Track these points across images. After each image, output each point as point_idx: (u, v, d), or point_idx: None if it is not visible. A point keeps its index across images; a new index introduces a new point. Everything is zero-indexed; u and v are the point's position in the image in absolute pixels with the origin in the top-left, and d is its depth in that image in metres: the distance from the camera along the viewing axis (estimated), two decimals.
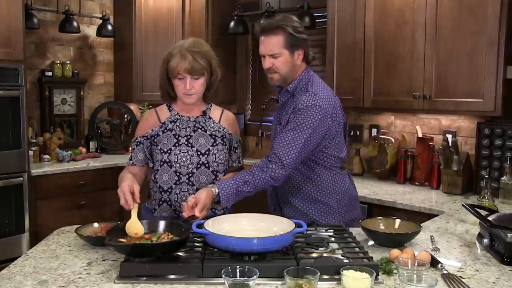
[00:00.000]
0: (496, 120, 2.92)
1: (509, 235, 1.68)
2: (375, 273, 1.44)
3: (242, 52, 4.59)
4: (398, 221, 1.99)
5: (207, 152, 2.11)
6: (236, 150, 2.24)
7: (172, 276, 1.53)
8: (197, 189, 2.02)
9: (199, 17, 4.27)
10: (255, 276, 1.40)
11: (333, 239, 1.85)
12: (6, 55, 3.51)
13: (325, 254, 1.67)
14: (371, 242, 1.91)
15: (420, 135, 3.32)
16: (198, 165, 2.09)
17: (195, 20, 4.29)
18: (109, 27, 4.62)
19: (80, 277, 1.57)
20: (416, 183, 3.31)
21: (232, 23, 4.26)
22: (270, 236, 1.64)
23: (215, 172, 2.12)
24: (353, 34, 3.34)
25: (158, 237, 1.70)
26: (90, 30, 4.74)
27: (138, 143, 2.16)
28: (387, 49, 3.20)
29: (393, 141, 3.46)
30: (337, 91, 3.35)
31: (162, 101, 2.24)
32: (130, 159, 2.17)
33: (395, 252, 1.68)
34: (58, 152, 4.09)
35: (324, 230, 1.95)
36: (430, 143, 3.28)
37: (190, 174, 2.08)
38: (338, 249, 1.73)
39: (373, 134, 3.64)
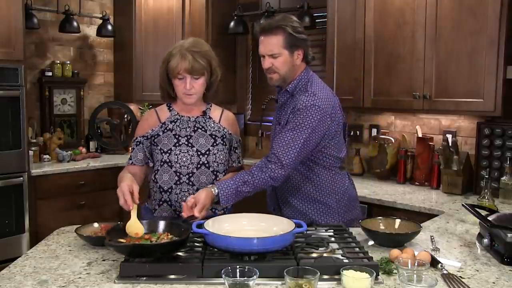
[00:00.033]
0: (496, 120, 2.92)
1: (509, 235, 1.68)
2: (375, 273, 1.44)
3: (242, 52, 4.59)
4: (398, 221, 1.99)
5: (207, 152, 2.11)
6: (236, 150, 2.24)
7: (172, 276, 1.53)
8: (197, 189, 2.02)
9: (199, 17, 4.27)
10: (255, 276, 1.40)
11: (333, 239, 1.85)
12: (6, 55, 3.51)
13: (325, 254, 1.67)
14: (371, 242, 1.91)
15: (420, 135, 3.32)
16: (198, 165, 2.09)
17: (195, 20, 4.29)
18: (109, 27, 4.62)
19: (80, 277, 1.57)
20: (416, 183, 3.31)
21: (232, 23, 4.26)
22: (270, 236, 1.64)
23: (215, 172, 2.12)
24: (353, 34, 3.34)
25: (157, 237, 1.70)
26: (90, 30, 4.74)
27: (138, 143, 2.16)
28: (387, 49, 3.20)
29: (393, 141, 3.46)
30: (337, 91, 3.35)
31: (162, 101, 2.24)
32: (130, 159, 2.17)
33: (395, 252, 1.68)
34: (58, 152, 4.09)
35: (324, 230, 1.95)
36: (430, 143, 3.28)
37: (190, 174, 2.08)
38: (338, 249, 1.73)
39: (373, 134, 3.64)
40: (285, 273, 1.40)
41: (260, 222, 1.83)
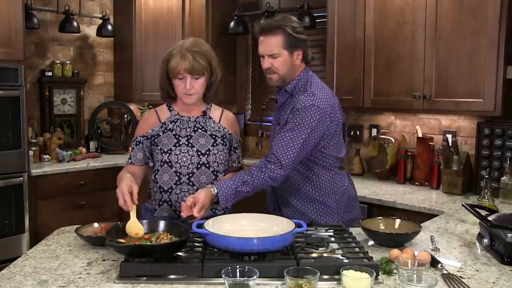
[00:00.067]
0: (496, 120, 2.92)
1: (509, 235, 1.68)
2: (375, 273, 1.44)
3: (242, 52, 4.59)
4: (398, 221, 1.99)
5: (208, 152, 2.11)
6: (236, 150, 2.24)
7: (172, 276, 1.53)
8: (198, 189, 2.02)
9: (199, 17, 4.27)
10: (255, 276, 1.40)
11: (333, 239, 1.85)
12: (6, 55, 3.51)
13: (325, 254, 1.67)
14: (371, 242, 1.91)
15: (420, 135, 3.32)
16: (199, 165, 2.09)
17: (195, 20, 4.29)
18: (109, 27, 4.62)
19: (80, 277, 1.57)
20: (416, 183, 3.31)
21: (232, 23, 4.26)
22: (270, 236, 1.64)
23: (215, 172, 2.12)
24: (353, 34, 3.34)
25: (157, 237, 1.70)
26: (90, 30, 4.74)
27: (138, 143, 2.16)
28: (387, 49, 3.20)
29: (393, 141, 3.46)
30: (337, 91, 3.36)
31: (162, 101, 2.24)
32: (129, 158, 2.17)
33: (395, 252, 1.68)
34: (58, 152, 4.09)
35: (324, 230, 1.95)
36: (430, 143, 3.28)
37: (191, 174, 2.08)
38: (338, 249, 1.73)
39: (373, 134, 3.64)
40: (285, 273, 1.40)
41: (260, 222, 1.83)
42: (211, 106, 2.23)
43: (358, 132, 3.72)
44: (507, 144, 2.84)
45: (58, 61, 4.44)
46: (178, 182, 2.09)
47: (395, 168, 3.41)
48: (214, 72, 2.13)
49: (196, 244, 1.75)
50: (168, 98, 2.19)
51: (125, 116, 4.69)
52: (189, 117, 2.16)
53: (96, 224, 2.02)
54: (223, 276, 1.40)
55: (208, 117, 2.19)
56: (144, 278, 1.52)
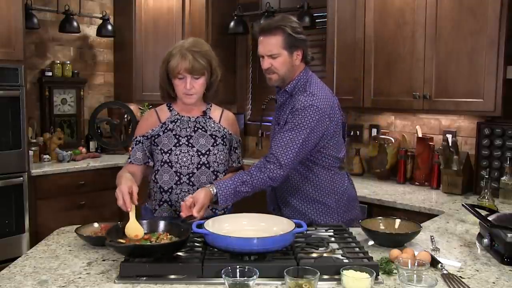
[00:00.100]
0: (496, 120, 2.92)
1: (509, 235, 1.68)
2: (375, 273, 1.44)
3: (242, 52, 4.59)
4: (398, 221, 1.99)
5: (208, 152, 2.11)
6: (236, 150, 2.24)
7: (172, 276, 1.53)
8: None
9: (199, 17, 4.27)
10: (255, 276, 1.40)
11: (333, 239, 1.85)
12: (6, 55, 3.51)
13: (325, 254, 1.67)
14: (371, 242, 1.91)
15: (420, 135, 3.32)
16: (199, 165, 2.09)
17: (195, 20, 4.29)
18: (109, 27, 4.62)
19: (80, 277, 1.57)
20: (416, 183, 3.31)
21: (232, 23, 4.26)
22: (270, 236, 1.64)
23: (215, 172, 2.12)
24: (353, 34, 3.34)
25: (157, 237, 1.70)
26: (90, 30, 4.74)
27: (137, 142, 2.15)
28: (387, 49, 3.20)
29: (393, 141, 3.46)
30: (337, 91, 3.36)
31: (162, 101, 2.24)
32: (129, 158, 2.17)
33: (395, 252, 1.68)
34: (58, 152, 4.09)
35: (324, 230, 1.95)
36: (430, 143, 3.28)
37: (191, 175, 2.08)
38: (338, 249, 1.73)
39: (373, 134, 3.64)
40: (285, 273, 1.40)
41: (260, 222, 1.83)
42: (211, 106, 2.23)
43: (358, 132, 3.72)
44: (507, 144, 2.84)
45: (58, 61, 4.44)
46: (178, 182, 2.09)
47: (395, 168, 3.41)
48: (214, 72, 2.13)
49: (196, 244, 1.75)
50: (168, 98, 2.19)
51: (125, 116, 4.69)
52: (189, 117, 2.16)
53: (96, 224, 2.02)
54: (223, 276, 1.40)
55: (208, 117, 2.19)
56: (144, 278, 1.52)
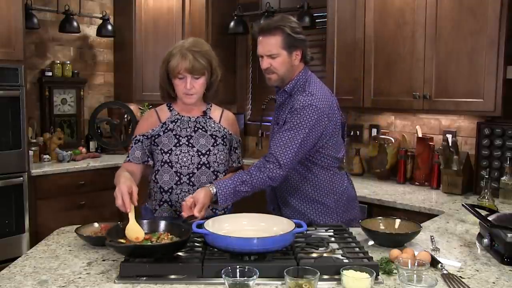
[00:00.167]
0: (496, 120, 2.92)
1: (509, 235, 1.68)
2: (375, 273, 1.44)
3: (242, 52, 4.59)
4: (398, 221, 1.99)
5: (208, 153, 2.11)
6: (236, 150, 2.24)
7: (172, 276, 1.53)
8: None
9: (199, 17, 4.27)
10: (255, 276, 1.40)
11: (333, 239, 1.85)
12: (6, 55, 3.51)
13: (325, 254, 1.67)
14: (371, 242, 1.91)
15: (420, 135, 3.32)
16: (199, 166, 2.09)
17: (195, 20, 4.29)
18: (109, 27, 4.62)
19: (80, 277, 1.57)
20: (416, 183, 3.31)
21: (232, 23, 4.26)
22: (270, 236, 1.64)
23: (215, 173, 2.12)
24: (353, 34, 3.34)
25: (157, 238, 1.70)
26: (90, 30, 4.74)
27: (137, 141, 2.15)
28: (387, 49, 3.20)
29: (393, 141, 3.46)
30: (337, 91, 3.36)
31: (162, 101, 2.24)
32: (127, 156, 2.17)
33: (395, 252, 1.68)
34: (58, 152, 4.09)
35: (324, 230, 1.95)
36: (430, 143, 3.28)
37: (191, 175, 2.08)
38: (338, 249, 1.73)
39: (373, 134, 3.64)
40: (285, 273, 1.40)
41: (260, 222, 1.83)
42: (211, 106, 2.23)
43: (358, 132, 3.72)
44: (507, 144, 2.84)
45: (58, 61, 4.44)
46: (179, 182, 2.09)
47: (395, 168, 3.41)
48: (214, 72, 2.13)
49: (196, 244, 1.75)
50: (168, 98, 2.19)
51: (125, 116, 4.69)
52: (189, 117, 2.16)
53: (96, 224, 2.02)
54: (223, 276, 1.40)
55: (208, 117, 2.19)
56: (144, 278, 1.52)
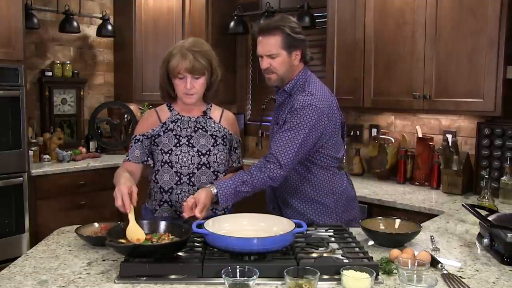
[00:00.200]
0: (496, 120, 2.92)
1: (509, 235, 1.68)
2: (375, 273, 1.44)
3: (242, 52, 4.59)
4: (398, 221, 1.99)
5: (208, 153, 2.11)
6: (236, 150, 2.24)
7: (172, 276, 1.53)
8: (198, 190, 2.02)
9: (199, 17, 4.27)
10: (255, 276, 1.40)
11: (333, 239, 1.85)
12: (6, 55, 3.51)
13: (325, 254, 1.67)
14: (371, 242, 1.91)
15: (420, 135, 3.32)
16: (199, 166, 2.09)
17: (195, 20, 4.29)
18: (109, 27, 4.62)
19: (80, 277, 1.57)
20: (416, 183, 3.31)
21: (232, 23, 4.26)
22: (270, 236, 1.64)
23: (215, 173, 2.12)
24: (353, 34, 3.34)
25: (158, 238, 1.70)
26: (90, 30, 4.74)
27: (137, 141, 2.15)
28: (387, 49, 3.20)
29: (393, 141, 3.46)
30: (337, 91, 3.36)
31: (162, 101, 2.24)
32: (127, 156, 2.17)
33: (395, 252, 1.68)
34: (58, 152, 4.09)
35: (324, 230, 1.95)
36: (430, 143, 3.28)
37: (191, 175, 2.08)
38: (338, 249, 1.73)
39: (373, 134, 3.64)
40: (285, 273, 1.40)
41: (260, 222, 1.83)
42: (211, 106, 2.23)
43: (358, 132, 3.72)
44: (507, 144, 2.84)
45: (58, 61, 4.44)
46: (179, 183, 2.09)
47: (395, 168, 3.41)
48: (214, 72, 2.13)
49: (196, 244, 1.75)
50: (168, 98, 2.19)
51: (125, 116, 4.69)
52: (189, 117, 2.16)
53: (96, 224, 2.02)
54: (223, 276, 1.40)
55: (208, 117, 2.19)
56: (144, 278, 1.52)
